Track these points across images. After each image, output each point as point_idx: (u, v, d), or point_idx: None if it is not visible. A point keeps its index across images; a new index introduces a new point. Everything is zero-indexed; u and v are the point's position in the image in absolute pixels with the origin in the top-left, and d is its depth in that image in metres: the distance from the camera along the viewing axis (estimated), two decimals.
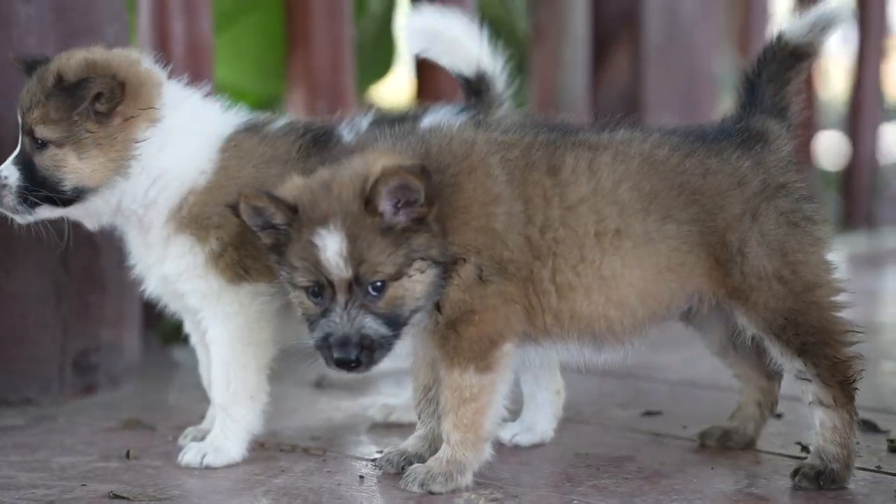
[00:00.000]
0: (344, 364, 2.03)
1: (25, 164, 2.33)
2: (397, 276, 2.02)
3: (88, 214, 2.40)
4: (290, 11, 3.66)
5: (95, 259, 2.89)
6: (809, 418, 2.19)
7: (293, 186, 2.09)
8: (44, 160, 2.32)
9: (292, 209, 2.04)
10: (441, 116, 2.50)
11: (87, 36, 2.81)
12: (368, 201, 2.00)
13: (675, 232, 2.11)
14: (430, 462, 2.15)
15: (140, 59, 2.40)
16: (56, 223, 2.45)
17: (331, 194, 2.03)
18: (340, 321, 2.03)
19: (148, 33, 3.27)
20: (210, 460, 2.34)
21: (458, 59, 2.53)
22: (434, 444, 2.25)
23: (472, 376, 2.09)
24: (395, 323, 2.04)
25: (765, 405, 2.41)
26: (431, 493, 2.11)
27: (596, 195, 2.12)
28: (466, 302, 2.06)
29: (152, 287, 2.44)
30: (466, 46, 2.52)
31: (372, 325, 2.03)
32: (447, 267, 2.07)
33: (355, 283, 2.02)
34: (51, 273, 2.83)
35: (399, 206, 2.01)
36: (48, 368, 2.85)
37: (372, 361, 2.04)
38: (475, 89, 2.54)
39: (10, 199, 2.33)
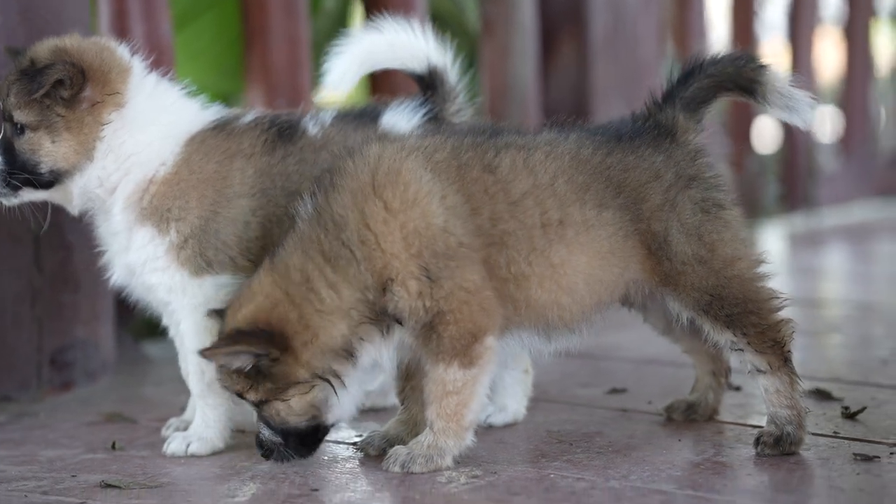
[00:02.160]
0: (264, 456, 2.31)
1: (7, 149, 2.41)
2: (266, 401, 2.22)
3: (66, 198, 2.47)
4: (247, 9, 3.70)
5: (69, 259, 2.94)
6: (755, 388, 2.33)
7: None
8: (22, 144, 2.40)
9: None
10: (401, 111, 2.59)
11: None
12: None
13: (611, 218, 2.25)
14: (412, 444, 2.24)
15: (110, 47, 2.49)
16: (41, 208, 2.51)
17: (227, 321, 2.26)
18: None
19: (108, 36, 3.31)
20: (194, 448, 2.42)
21: (408, 60, 2.60)
22: (415, 429, 2.34)
23: (455, 371, 2.19)
24: (287, 434, 2.25)
25: (719, 373, 2.54)
26: (411, 473, 2.20)
27: (537, 189, 2.24)
28: (428, 307, 2.16)
29: (118, 276, 2.50)
30: (414, 47, 2.59)
31: (265, 432, 2.27)
32: (386, 287, 2.18)
33: (240, 398, 2.27)
34: (25, 274, 2.87)
35: (251, 358, 2.19)
36: (26, 366, 2.89)
37: (272, 459, 2.29)
38: (429, 84, 2.61)
39: None
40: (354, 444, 2.43)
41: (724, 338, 2.29)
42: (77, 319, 2.96)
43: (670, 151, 2.33)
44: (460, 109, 2.62)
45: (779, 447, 2.26)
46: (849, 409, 2.50)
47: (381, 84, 3.95)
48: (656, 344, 3.19)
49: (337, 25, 4.30)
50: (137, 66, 2.50)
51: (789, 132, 6.14)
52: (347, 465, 2.32)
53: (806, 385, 2.70)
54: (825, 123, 7.36)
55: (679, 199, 2.29)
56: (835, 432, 2.37)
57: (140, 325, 3.44)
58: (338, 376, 2.20)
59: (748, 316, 2.27)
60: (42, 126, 2.39)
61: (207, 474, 2.29)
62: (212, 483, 2.24)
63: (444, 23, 4.44)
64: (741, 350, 2.28)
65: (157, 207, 2.42)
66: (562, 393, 2.83)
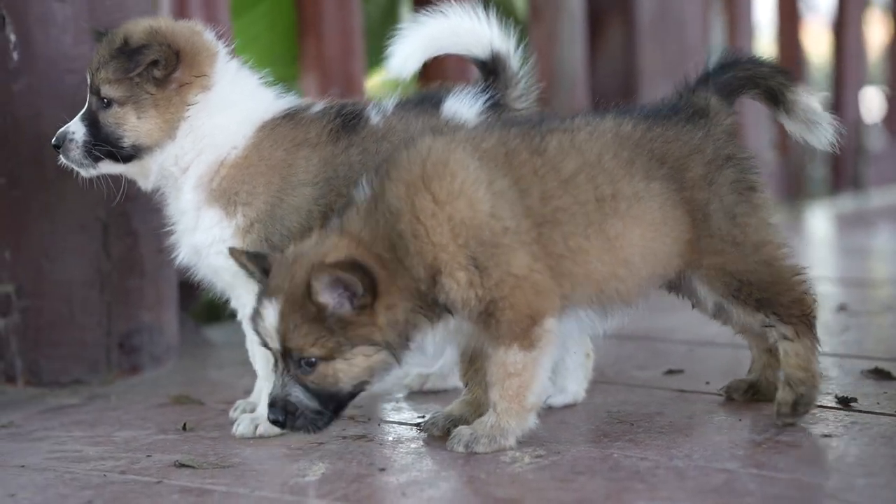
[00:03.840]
0: (273, 422, 2.24)
1: (91, 121, 2.52)
2: (327, 358, 2.18)
3: (143, 172, 2.56)
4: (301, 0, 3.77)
5: (135, 245, 3.02)
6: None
7: (284, 254, 2.26)
8: (107, 117, 2.50)
9: (263, 273, 2.24)
10: (462, 98, 2.62)
11: None
12: (308, 289, 2.15)
13: (658, 189, 2.31)
14: (475, 425, 2.29)
15: (201, 31, 2.57)
16: (115, 181, 2.61)
17: (288, 271, 2.20)
18: (276, 385, 2.23)
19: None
20: (262, 430, 2.47)
21: (471, 45, 2.63)
22: (479, 410, 2.38)
23: (516, 353, 2.23)
24: (328, 399, 2.21)
25: (775, 350, 2.55)
26: (475, 453, 2.25)
27: (586, 166, 2.29)
28: (480, 296, 2.20)
29: (184, 256, 2.56)
30: (477, 32, 2.62)
31: (298, 396, 2.21)
32: (436, 279, 2.20)
33: (287, 355, 2.19)
34: (94, 260, 2.95)
35: (344, 296, 2.16)
36: (95, 350, 2.98)
37: (295, 427, 2.22)
38: (491, 70, 2.64)
39: (77, 152, 2.52)
40: (417, 425, 2.48)
41: (755, 319, 2.37)
42: (143, 304, 3.04)
43: (708, 129, 2.39)
44: (522, 95, 2.64)
45: (795, 410, 2.34)
46: None
47: (433, 70, 3.99)
48: (711, 325, 3.20)
49: (388, 14, 4.34)
50: (222, 51, 2.57)
51: (838, 111, 6.12)
52: (412, 446, 2.36)
53: (865, 365, 2.74)
54: (872, 103, 7.32)
55: (717, 176, 2.36)
56: None
57: (201, 310, 3.51)
58: (398, 349, 2.23)
59: (776, 297, 2.35)
60: (130, 102, 2.48)
61: (277, 454, 2.35)
62: (282, 463, 2.30)
63: (492, 8, 4.47)
64: (772, 326, 2.37)
65: (226, 190, 2.49)
66: (619, 375, 2.87)
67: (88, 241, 2.94)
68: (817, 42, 7.70)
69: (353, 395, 2.24)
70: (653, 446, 2.24)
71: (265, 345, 2.24)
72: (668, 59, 4.81)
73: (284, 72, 4.08)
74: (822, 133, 2.41)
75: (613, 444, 2.27)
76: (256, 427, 2.48)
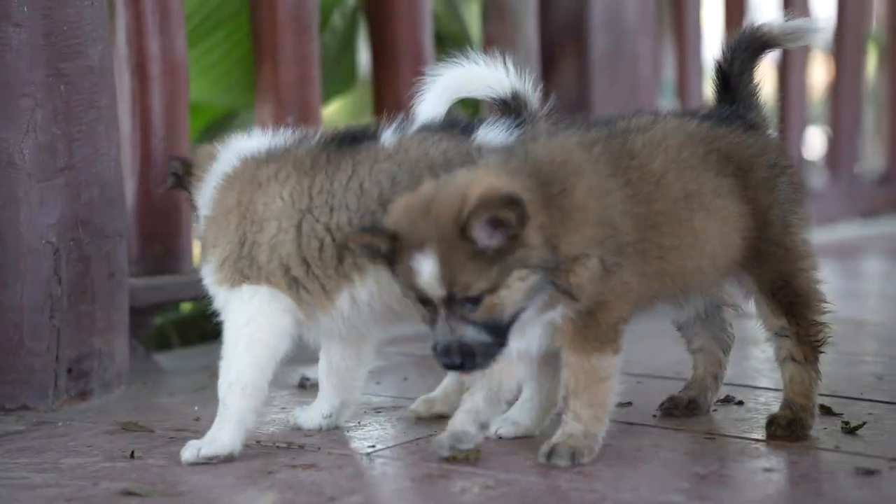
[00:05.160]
0: (451, 367, 2.24)
1: None
2: (492, 289, 2.20)
3: None
4: (258, 28, 3.78)
5: (86, 271, 3.00)
6: (781, 373, 2.53)
7: (396, 210, 2.25)
8: None
9: (392, 237, 2.22)
10: (495, 129, 2.62)
11: (73, 58, 2.94)
12: (463, 229, 2.16)
13: (729, 185, 2.41)
14: (565, 439, 2.33)
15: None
16: None
17: (428, 218, 2.19)
18: (442, 332, 2.22)
19: (126, 54, 3.39)
20: (205, 451, 2.46)
21: (490, 89, 2.69)
22: (479, 421, 2.42)
23: (609, 358, 2.31)
24: (496, 329, 2.23)
25: (719, 378, 2.73)
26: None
27: (672, 163, 2.38)
28: (601, 293, 2.27)
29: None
30: (493, 76, 2.68)
31: (471, 334, 2.21)
32: (567, 264, 2.25)
33: (452, 299, 2.20)
34: (44, 285, 2.93)
35: (494, 230, 2.17)
36: (44, 376, 2.95)
37: (475, 366, 2.24)
38: (513, 108, 2.68)
39: None
40: (368, 454, 2.49)
41: (777, 323, 2.49)
42: (93, 330, 3.02)
43: (766, 139, 2.51)
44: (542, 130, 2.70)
45: (790, 429, 2.46)
46: (849, 424, 2.58)
47: (385, 102, 4.03)
48: (660, 358, 3.28)
49: (344, 43, 4.38)
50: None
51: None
52: (362, 475, 2.38)
53: None
54: (814, 143, 7.47)
55: (778, 182, 2.47)
56: (836, 447, 2.45)
57: (153, 337, 3.50)
58: (552, 267, 2.24)
59: (803, 309, 2.47)
60: None
61: (225, 483, 2.35)
62: (231, 491, 2.30)
63: (448, 41, 4.52)
64: (787, 337, 2.48)
65: (204, 239, 2.67)
66: None
67: (39, 265, 2.92)
68: (762, 82, 7.83)
69: (512, 322, 2.25)
70: (601, 478, 2.27)
71: (424, 300, 2.23)
72: (620, 93, 4.88)
73: (240, 99, 4.10)
74: (808, 34, 2.58)
75: (562, 476, 2.29)
76: (199, 450, 2.48)
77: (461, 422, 2.41)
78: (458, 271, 2.18)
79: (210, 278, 2.60)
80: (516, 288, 2.21)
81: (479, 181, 2.21)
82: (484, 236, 2.17)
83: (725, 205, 2.41)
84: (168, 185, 2.76)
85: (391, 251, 2.24)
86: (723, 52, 2.60)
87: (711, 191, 2.39)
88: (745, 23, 5.38)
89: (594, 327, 2.29)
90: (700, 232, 2.37)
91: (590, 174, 2.30)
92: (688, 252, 2.37)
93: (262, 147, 2.63)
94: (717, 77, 2.61)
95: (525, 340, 2.33)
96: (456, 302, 2.20)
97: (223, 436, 2.49)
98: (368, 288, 2.51)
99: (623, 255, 2.29)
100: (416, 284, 2.22)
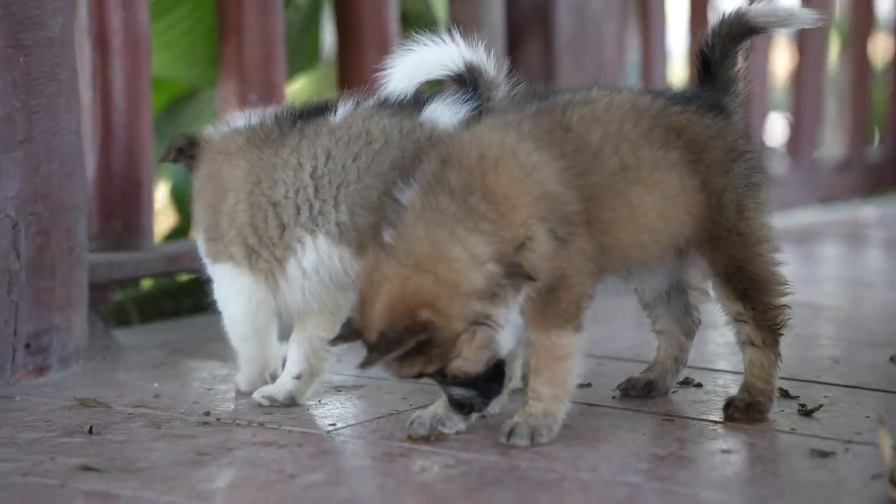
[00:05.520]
0: (463, 416, 2.40)
1: None
2: (445, 364, 2.27)
3: None
4: (222, 3, 3.74)
5: (46, 246, 2.96)
6: (741, 357, 2.54)
7: (353, 312, 2.34)
8: None
9: (358, 333, 2.32)
10: (446, 103, 2.63)
11: (33, 29, 2.90)
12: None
13: (676, 158, 2.40)
14: (525, 418, 2.35)
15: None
16: None
17: (363, 325, 2.30)
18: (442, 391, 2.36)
19: (87, 26, 3.35)
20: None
21: (444, 67, 2.65)
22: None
23: (570, 336, 2.31)
24: (476, 382, 2.31)
25: (681, 361, 2.73)
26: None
27: (610, 136, 2.38)
28: (559, 267, 2.27)
29: None
30: (445, 54, 2.64)
31: (459, 392, 2.32)
32: (523, 247, 2.26)
33: (420, 377, 2.31)
34: (2, 260, 2.90)
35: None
36: (1, 350, 2.91)
37: (474, 411, 2.38)
38: (469, 81, 2.64)
39: None
40: (328, 431, 2.49)
41: (734, 307, 2.49)
42: (52, 305, 2.99)
43: (727, 121, 2.50)
44: (503, 99, 2.67)
45: (748, 413, 2.48)
46: (805, 407, 2.61)
47: (350, 79, 4.01)
48: (619, 341, 3.30)
49: (309, 21, 4.35)
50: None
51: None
52: (323, 453, 2.38)
53: None
54: (776, 129, 7.53)
55: (734, 167, 2.46)
56: (793, 429, 2.48)
57: (112, 313, 3.48)
58: (490, 317, 2.27)
59: (760, 294, 2.47)
60: None
61: (186, 459, 2.34)
62: (190, 468, 2.29)
63: (413, 20, 4.50)
64: (744, 322, 2.49)
65: (193, 215, 2.87)
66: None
67: None
68: (744, 68, 7.87)
69: (494, 365, 2.31)
70: (560, 458, 2.29)
71: None
72: (585, 75, 4.88)
73: (203, 75, 4.06)
74: (798, 20, 2.57)
75: (521, 456, 2.31)
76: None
77: (447, 405, 2.43)
78: (400, 367, 2.28)
79: (201, 250, 2.75)
80: (468, 352, 2.26)
81: (380, 301, 2.25)
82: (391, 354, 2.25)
83: (667, 178, 2.39)
84: (165, 157, 2.84)
85: (364, 344, 2.32)
86: (706, 36, 2.59)
87: (651, 164, 2.38)
88: (711, 8, 5.43)
89: (555, 304, 2.30)
90: (637, 205, 2.37)
91: (508, 159, 2.28)
92: (625, 225, 2.36)
93: (241, 123, 2.71)
94: (699, 61, 2.60)
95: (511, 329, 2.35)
96: (426, 376, 2.30)
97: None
98: (311, 257, 2.58)
99: (573, 223, 2.30)
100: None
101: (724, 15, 2.59)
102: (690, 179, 2.42)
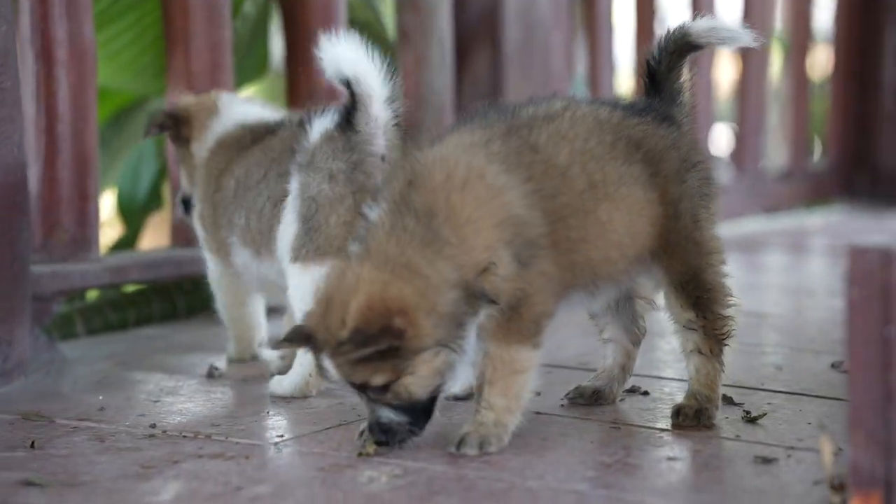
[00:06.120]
0: (378, 444, 2.35)
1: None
2: (395, 378, 2.25)
3: None
4: (169, 13, 3.72)
5: None
6: (686, 365, 2.58)
7: (312, 308, 2.33)
8: None
9: (307, 337, 2.31)
10: (326, 118, 2.76)
11: None
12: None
13: (638, 171, 2.43)
14: (476, 427, 2.35)
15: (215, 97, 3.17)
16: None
17: (323, 324, 2.26)
18: (368, 412, 2.33)
19: (30, 37, 3.31)
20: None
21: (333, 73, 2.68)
22: None
23: (528, 351, 2.33)
24: (413, 409, 2.29)
25: (627, 369, 2.77)
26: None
27: (577, 154, 2.39)
28: (521, 289, 2.28)
29: None
30: (339, 55, 2.65)
31: (388, 416, 2.30)
32: (486, 272, 2.26)
33: (362, 389, 2.27)
34: None
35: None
36: None
37: (396, 442, 2.33)
38: (350, 90, 2.68)
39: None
40: (276, 443, 2.48)
41: (686, 316, 2.53)
42: None
43: (680, 132, 2.54)
44: (379, 115, 2.70)
45: (697, 419, 2.52)
46: (749, 414, 2.64)
47: (298, 90, 4.01)
48: (566, 350, 3.32)
49: (257, 30, 4.33)
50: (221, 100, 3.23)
51: None
52: (270, 464, 2.36)
53: None
54: (721, 139, 7.61)
55: (688, 177, 2.50)
56: (737, 436, 2.51)
57: (56, 325, 3.43)
58: (454, 342, 2.27)
59: (711, 303, 2.52)
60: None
61: (131, 473, 2.32)
62: (135, 481, 2.27)
63: (362, 30, 4.49)
64: (694, 330, 2.53)
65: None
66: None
67: None
68: (688, 81, 7.94)
69: (434, 398, 2.31)
70: (507, 467, 2.29)
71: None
72: (533, 85, 4.91)
73: (150, 85, 4.03)
74: (740, 39, 2.61)
75: (469, 465, 2.31)
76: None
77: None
78: (352, 372, 2.26)
79: None
80: (422, 373, 2.26)
81: (357, 298, 2.23)
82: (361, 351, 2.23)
83: (632, 192, 2.42)
84: (147, 133, 3.17)
85: (313, 348, 2.31)
86: (652, 50, 2.63)
87: (617, 179, 2.41)
88: (657, 20, 5.47)
89: (516, 321, 2.31)
90: (606, 222, 2.39)
91: (475, 182, 2.29)
92: (595, 243, 2.39)
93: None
94: (646, 73, 2.64)
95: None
96: (367, 389, 2.28)
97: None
98: (237, 258, 3.00)
99: (537, 246, 2.31)
100: (329, 378, 2.33)
101: (668, 31, 2.63)
102: (652, 192, 2.45)
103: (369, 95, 2.66)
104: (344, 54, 2.63)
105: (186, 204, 3.21)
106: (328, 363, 2.29)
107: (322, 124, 2.76)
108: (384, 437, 2.33)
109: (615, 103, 2.57)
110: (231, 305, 3.17)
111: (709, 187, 2.55)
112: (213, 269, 3.14)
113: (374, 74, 2.65)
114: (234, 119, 3.07)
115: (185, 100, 3.20)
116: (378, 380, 2.26)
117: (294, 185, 2.77)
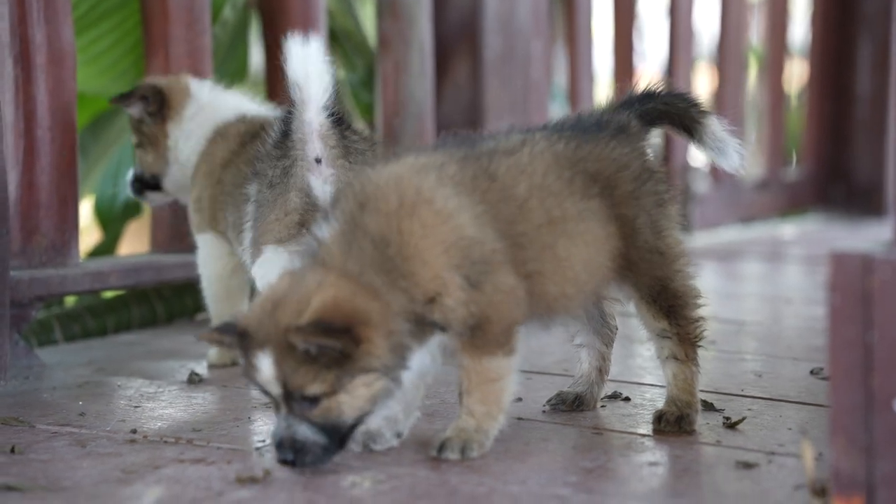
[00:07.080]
0: (282, 462, 2.25)
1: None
2: (330, 393, 2.20)
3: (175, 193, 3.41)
4: (149, 18, 3.71)
5: None
6: (663, 371, 2.60)
7: (253, 305, 2.28)
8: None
9: (241, 334, 2.24)
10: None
11: None
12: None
13: (596, 206, 2.43)
14: (457, 432, 2.35)
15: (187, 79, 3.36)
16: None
17: (272, 319, 2.20)
18: (279, 426, 2.24)
19: (9, 42, 3.29)
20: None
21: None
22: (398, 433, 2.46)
23: (500, 360, 2.32)
24: (333, 432, 2.23)
25: (604, 371, 2.78)
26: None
27: (536, 189, 2.39)
28: (473, 312, 2.27)
29: None
30: (290, 59, 2.65)
31: (305, 433, 2.23)
32: (434, 299, 2.25)
33: (290, 397, 2.21)
34: None
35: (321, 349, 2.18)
36: None
37: (305, 463, 2.24)
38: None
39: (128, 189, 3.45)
40: (257, 448, 2.48)
41: (659, 325, 2.54)
42: None
43: (631, 145, 2.54)
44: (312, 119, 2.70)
45: (679, 425, 2.53)
46: (729, 420, 2.65)
47: (278, 94, 4.00)
48: (547, 356, 3.33)
49: (236, 36, 4.33)
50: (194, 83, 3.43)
51: (666, 157, 6.39)
52: (251, 469, 2.35)
53: None
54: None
55: (643, 190, 2.50)
56: (717, 441, 2.52)
57: (34, 331, 3.41)
58: (394, 371, 2.25)
59: (682, 309, 2.53)
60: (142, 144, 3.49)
61: (111, 478, 2.31)
62: (115, 486, 2.26)
63: (342, 38, 4.51)
64: (668, 338, 2.54)
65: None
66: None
67: None
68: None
69: (355, 426, 2.26)
70: (490, 472, 2.30)
71: (266, 394, 2.26)
72: (512, 94, 4.93)
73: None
74: (730, 157, 2.64)
75: (451, 470, 2.31)
76: None
77: (379, 425, 2.42)
78: (292, 373, 2.20)
79: None
80: (359, 394, 2.23)
81: (322, 294, 2.20)
82: (311, 350, 2.18)
83: (590, 228, 2.41)
84: (129, 101, 3.32)
85: (240, 346, 2.25)
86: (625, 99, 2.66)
87: (576, 216, 2.40)
88: (636, 31, 5.49)
89: (482, 336, 2.30)
90: (563, 259, 2.38)
91: (423, 207, 2.27)
92: (552, 277, 2.38)
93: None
94: (624, 95, 2.67)
95: (429, 358, 2.33)
96: (294, 399, 2.22)
97: None
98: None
99: (489, 263, 2.29)
100: (256, 380, 2.25)
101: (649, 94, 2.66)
102: (610, 225, 2.45)
103: (303, 101, 2.67)
104: (293, 58, 2.63)
105: (141, 182, 3.32)
106: (264, 362, 2.21)
107: (276, 131, 2.79)
108: (291, 457, 2.23)
109: (572, 128, 2.53)
110: (220, 298, 3.28)
111: (665, 192, 2.55)
112: (206, 254, 3.28)
113: (314, 79, 2.64)
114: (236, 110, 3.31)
115: (163, 78, 3.37)
116: (315, 388, 2.20)
117: (252, 191, 2.83)
